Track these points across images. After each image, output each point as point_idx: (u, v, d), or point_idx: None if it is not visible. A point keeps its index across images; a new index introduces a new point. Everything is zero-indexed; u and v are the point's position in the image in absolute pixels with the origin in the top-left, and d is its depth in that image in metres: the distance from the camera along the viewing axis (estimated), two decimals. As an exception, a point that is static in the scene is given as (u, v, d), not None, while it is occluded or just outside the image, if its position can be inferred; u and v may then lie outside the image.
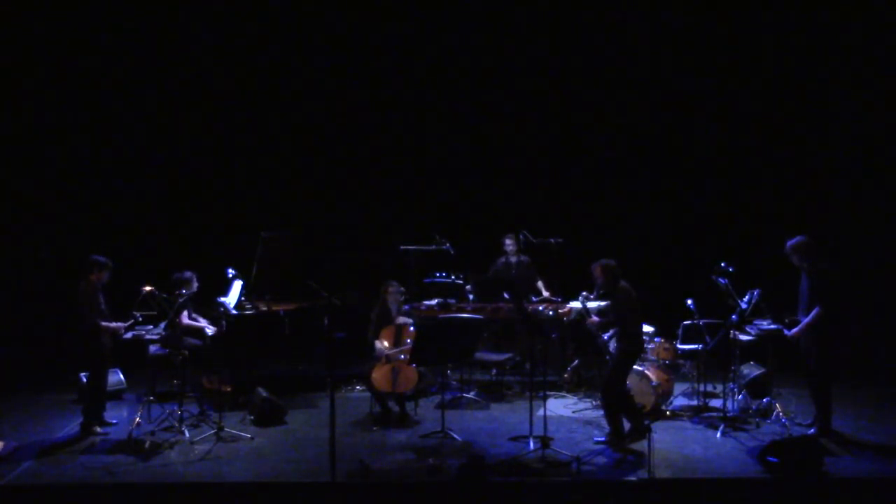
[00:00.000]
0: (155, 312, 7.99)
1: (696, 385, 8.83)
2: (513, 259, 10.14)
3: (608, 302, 7.89)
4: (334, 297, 9.37)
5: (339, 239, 11.76)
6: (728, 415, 7.97)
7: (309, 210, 11.92)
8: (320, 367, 10.19)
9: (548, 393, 8.72)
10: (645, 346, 8.51)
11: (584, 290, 8.21)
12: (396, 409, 8.47)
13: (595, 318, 7.96)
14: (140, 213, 11.84)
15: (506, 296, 9.38)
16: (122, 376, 9.24)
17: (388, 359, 8.41)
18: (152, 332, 7.96)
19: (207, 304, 8.98)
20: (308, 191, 12.06)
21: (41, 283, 11.22)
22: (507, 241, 10.07)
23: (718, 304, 8.18)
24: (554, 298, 9.83)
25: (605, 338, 7.99)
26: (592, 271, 7.68)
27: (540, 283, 10.09)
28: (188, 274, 8.54)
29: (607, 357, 7.89)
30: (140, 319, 7.93)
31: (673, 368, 8.85)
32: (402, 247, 10.14)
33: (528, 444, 7.38)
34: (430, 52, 11.85)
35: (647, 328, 8.81)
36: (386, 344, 8.53)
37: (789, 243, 7.71)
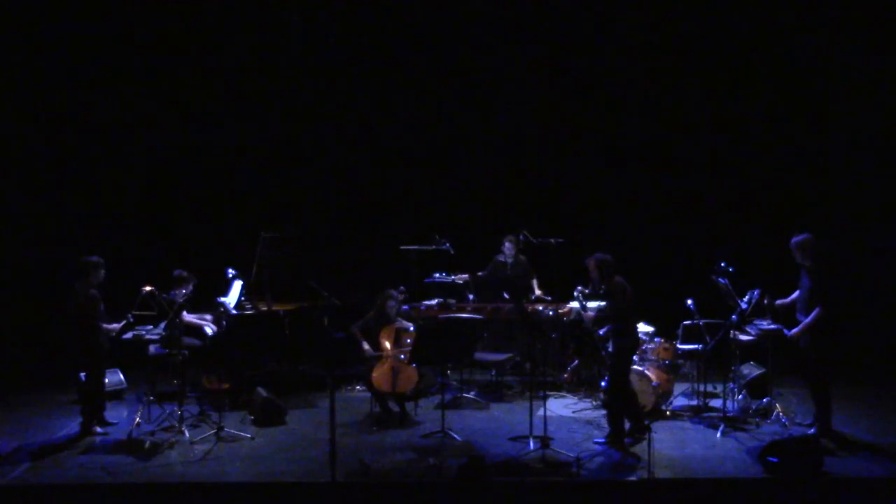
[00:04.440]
0: (155, 312, 7.99)
1: (696, 385, 8.83)
2: (510, 260, 10.13)
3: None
4: (334, 297, 9.42)
5: (339, 239, 11.76)
6: (728, 415, 7.97)
7: (309, 210, 11.91)
8: (320, 367, 10.18)
9: (548, 393, 8.72)
10: (641, 344, 8.51)
11: (579, 285, 8.20)
12: (396, 409, 8.47)
13: (591, 313, 7.94)
14: (140, 212, 11.83)
15: (505, 296, 9.39)
16: (122, 376, 9.24)
17: (371, 357, 8.45)
18: (152, 332, 7.96)
19: (207, 304, 8.98)
20: (308, 191, 12.06)
21: (40, 282, 11.22)
22: (507, 245, 10.06)
23: (718, 304, 8.18)
24: (545, 297, 9.83)
25: (601, 333, 7.97)
26: (587, 265, 7.67)
27: (534, 282, 10.09)
28: (185, 273, 8.53)
29: (603, 353, 7.87)
30: (132, 321, 7.93)
31: (673, 368, 8.84)
32: (402, 247, 10.14)
33: (528, 444, 7.38)
34: (430, 52, 11.85)
35: (647, 328, 8.82)
36: (387, 345, 8.54)
37: (794, 240, 7.70)
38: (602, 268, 7.55)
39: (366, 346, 8.56)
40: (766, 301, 7.82)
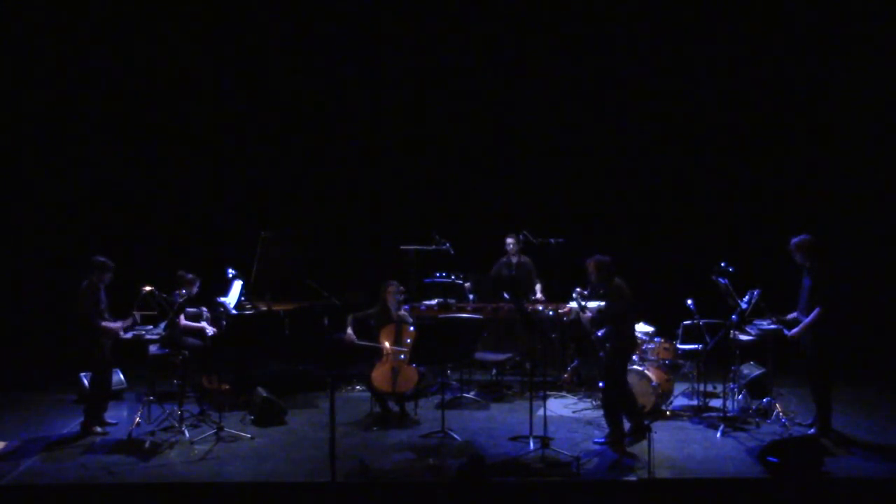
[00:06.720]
0: (155, 312, 7.99)
1: (696, 385, 8.83)
2: (513, 259, 10.14)
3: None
4: (334, 297, 9.43)
5: (339, 239, 11.76)
6: (728, 415, 7.97)
7: (309, 210, 11.91)
8: (320, 367, 10.18)
9: (548, 393, 8.72)
10: (641, 344, 8.50)
11: (577, 287, 8.20)
12: (396, 409, 8.47)
13: (589, 314, 7.93)
14: (140, 212, 11.83)
15: (506, 296, 9.38)
16: (122, 376, 9.23)
17: (355, 344, 8.52)
18: (152, 332, 7.96)
19: (207, 304, 8.98)
20: (308, 191, 12.06)
21: (41, 283, 11.22)
22: (509, 241, 10.06)
23: (718, 304, 8.18)
24: (543, 300, 9.83)
25: (599, 335, 7.95)
26: (586, 267, 7.67)
27: (538, 286, 10.09)
28: (190, 276, 8.52)
29: (601, 354, 7.86)
30: (138, 320, 7.95)
31: (673, 368, 8.84)
32: (402, 247, 10.14)
33: (528, 444, 7.38)
34: (430, 52, 11.85)
35: (647, 328, 8.81)
36: (388, 344, 8.54)
37: (793, 241, 7.71)
38: (601, 269, 7.55)
39: (349, 331, 8.60)
40: (777, 321, 7.80)
